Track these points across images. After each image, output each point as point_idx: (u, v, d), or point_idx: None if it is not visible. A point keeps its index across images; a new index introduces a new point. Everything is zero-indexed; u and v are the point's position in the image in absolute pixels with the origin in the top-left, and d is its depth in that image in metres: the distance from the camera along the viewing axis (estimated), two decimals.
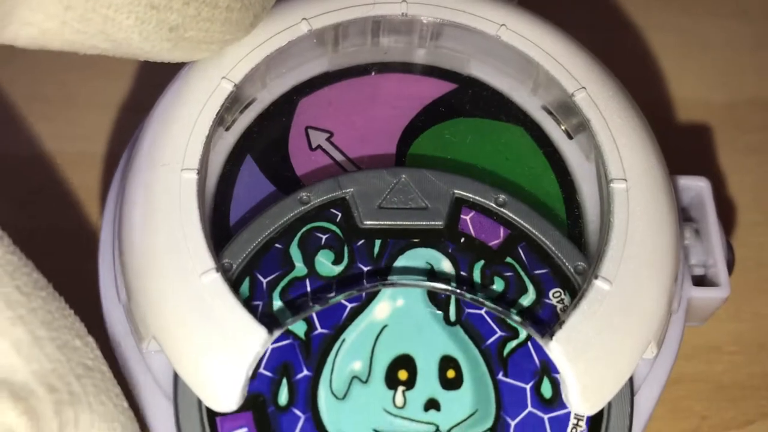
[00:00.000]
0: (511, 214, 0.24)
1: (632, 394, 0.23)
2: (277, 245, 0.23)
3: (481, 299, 0.23)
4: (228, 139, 0.26)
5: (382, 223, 0.24)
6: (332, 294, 0.23)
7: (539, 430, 0.22)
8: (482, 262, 0.23)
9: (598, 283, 0.22)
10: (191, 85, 0.24)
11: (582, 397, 0.22)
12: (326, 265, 0.23)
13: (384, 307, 0.23)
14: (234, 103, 0.25)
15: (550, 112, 0.27)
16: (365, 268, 0.23)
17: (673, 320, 0.24)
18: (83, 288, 0.29)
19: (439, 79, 0.27)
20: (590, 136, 0.25)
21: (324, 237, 0.23)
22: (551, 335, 0.22)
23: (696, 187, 0.27)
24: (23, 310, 0.18)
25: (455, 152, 0.26)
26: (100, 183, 0.32)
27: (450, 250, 0.23)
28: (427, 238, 0.24)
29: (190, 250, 0.22)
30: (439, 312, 0.23)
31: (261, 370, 0.22)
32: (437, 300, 0.23)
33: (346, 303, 0.23)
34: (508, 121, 0.27)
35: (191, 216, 0.22)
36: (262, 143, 0.26)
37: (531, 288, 0.23)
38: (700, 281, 0.26)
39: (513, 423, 0.22)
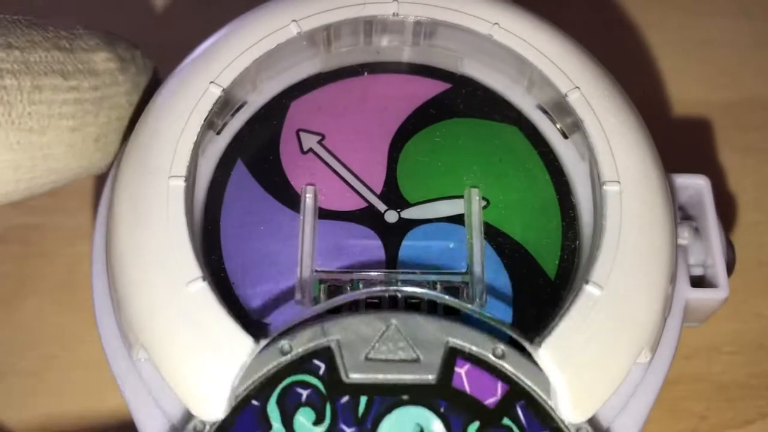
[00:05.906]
0: (510, 368, 0.22)
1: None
2: (253, 402, 0.21)
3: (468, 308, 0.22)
4: (219, 143, 0.26)
5: (369, 377, 0.22)
6: None
7: None
8: (477, 423, 0.21)
9: (589, 289, 0.22)
10: (179, 90, 0.24)
11: (572, 404, 0.21)
12: (306, 426, 0.21)
13: None
14: (224, 106, 0.25)
15: (545, 111, 0.26)
16: (348, 431, 0.21)
17: (669, 323, 0.24)
18: (79, 290, 0.29)
19: (432, 79, 0.27)
20: (584, 137, 0.24)
21: (305, 393, 0.22)
22: (540, 342, 0.22)
23: (695, 185, 0.27)
24: None
25: (448, 154, 0.26)
26: (95, 184, 0.32)
27: (442, 410, 0.22)
28: (418, 395, 0.22)
29: (177, 258, 0.22)
30: None
31: None
32: None
33: None
34: (502, 120, 0.26)
35: (178, 224, 0.22)
36: (253, 147, 0.26)
37: None
38: (699, 282, 0.26)
39: None
